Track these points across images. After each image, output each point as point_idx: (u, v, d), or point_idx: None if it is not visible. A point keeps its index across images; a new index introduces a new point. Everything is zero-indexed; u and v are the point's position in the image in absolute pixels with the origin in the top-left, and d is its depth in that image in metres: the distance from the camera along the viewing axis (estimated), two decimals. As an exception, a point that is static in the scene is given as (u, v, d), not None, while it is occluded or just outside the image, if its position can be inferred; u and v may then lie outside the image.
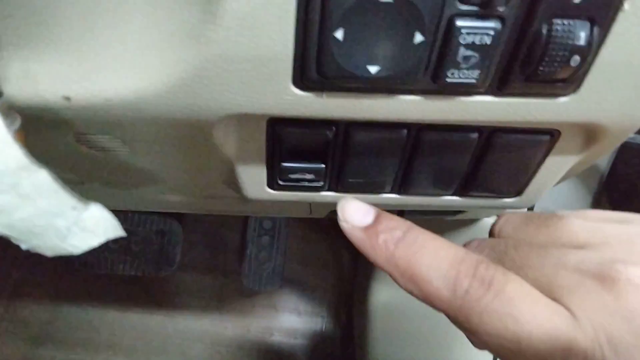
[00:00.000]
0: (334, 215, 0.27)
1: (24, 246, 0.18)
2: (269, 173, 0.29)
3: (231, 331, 0.99)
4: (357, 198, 0.30)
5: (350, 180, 0.29)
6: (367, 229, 0.22)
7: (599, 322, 0.19)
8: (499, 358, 0.21)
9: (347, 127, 0.25)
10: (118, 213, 0.72)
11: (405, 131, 0.26)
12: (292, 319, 1.00)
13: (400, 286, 0.22)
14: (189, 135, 0.24)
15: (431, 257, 0.21)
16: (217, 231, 1.04)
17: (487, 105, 0.23)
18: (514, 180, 0.29)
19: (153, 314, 0.99)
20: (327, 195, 0.30)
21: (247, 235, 0.97)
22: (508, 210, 0.36)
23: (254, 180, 0.29)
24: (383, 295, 0.80)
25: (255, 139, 0.26)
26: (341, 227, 0.23)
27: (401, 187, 0.30)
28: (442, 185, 0.29)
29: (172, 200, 0.41)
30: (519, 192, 0.30)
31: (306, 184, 0.29)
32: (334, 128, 0.25)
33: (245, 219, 1.00)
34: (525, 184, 0.30)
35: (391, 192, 0.30)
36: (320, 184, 0.29)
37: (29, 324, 0.97)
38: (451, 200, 0.31)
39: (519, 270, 0.21)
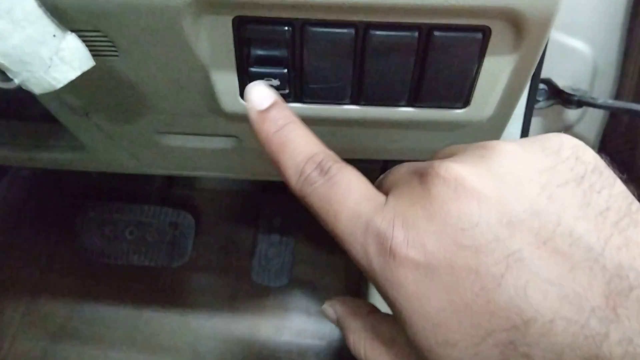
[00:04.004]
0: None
1: (17, 80, 0.22)
2: (240, 81, 0.33)
3: (242, 330, 1.01)
4: (320, 110, 0.34)
5: (311, 86, 0.32)
6: (260, 112, 0.26)
7: (401, 208, 0.20)
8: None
9: (302, 27, 0.29)
10: (134, 205, 0.77)
11: (353, 30, 0.29)
12: (301, 319, 1.02)
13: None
14: (163, 32, 0.29)
15: (294, 149, 0.24)
16: (230, 234, 1.08)
17: None
18: (457, 84, 0.32)
19: (166, 312, 1.02)
20: (294, 106, 0.34)
21: (257, 233, 1.00)
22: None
23: (227, 89, 0.33)
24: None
25: (223, 41, 0.30)
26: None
27: (359, 95, 0.33)
28: (394, 90, 0.33)
29: (170, 144, 0.45)
30: (466, 102, 0.34)
31: (273, 92, 0.33)
32: (290, 28, 0.29)
33: (257, 218, 1.04)
34: (470, 90, 0.33)
35: (350, 102, 0.34)
36: (286, 91, 0.33)
37: (48, 320, 1.01)
38: (405, 112, 0.34)
39: (387, 181, 0.25)
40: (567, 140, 0.20)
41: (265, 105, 0.26)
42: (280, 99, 0.27)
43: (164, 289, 1.03)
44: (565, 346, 0.17)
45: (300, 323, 1.01)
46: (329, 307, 0.28)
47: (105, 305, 1.02)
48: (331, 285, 1.04)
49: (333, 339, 1.00)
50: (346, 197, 0.22)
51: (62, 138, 0.52)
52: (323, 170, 0.23)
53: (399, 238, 0.20)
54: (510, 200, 0.18)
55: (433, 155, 0.26)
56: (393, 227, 0.20)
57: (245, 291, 1.03)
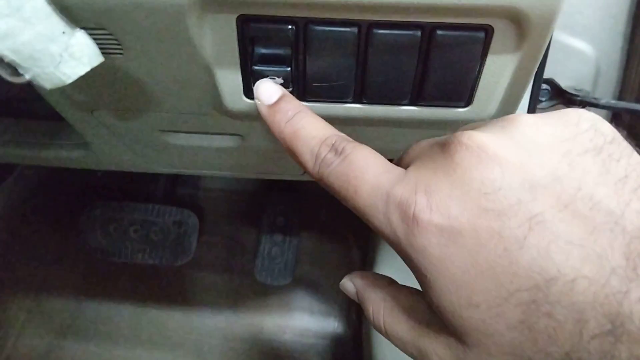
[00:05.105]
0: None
1: (27, 76, 0.23)
2: (244, 79, 0.33)
3: (245, 328, 1.01)
4: (323, 109, 0.35)
5: (314, 84, 0.33)
6: (269, 106, 0.27)
7: (422, 176, 0.21)
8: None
9: (305, 25, 0.30)
10: (139, 204, 0.78)
11: (356, 29, 0.30)
12: (304, 318, 1.02)
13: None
14: (168, 30, 0.29)
15: (307, 135, 0.25)
16: (234, 233, 1.08)
17: None
18: (460, 83, 0.32)
19: (171, 310, 1.02)
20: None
21: (261, 232, 1.01)
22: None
23: (231, 87, 0.33)
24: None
25: (227, 39, 0.31)
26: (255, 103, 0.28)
27: (361, 93, 0.33)
28: (397, 89, 0.33)
29: (174, 142, 0.45)
30: (468, 101, 0.34)
31: (277, 90, 0.33)
32: (293, 27, 0.30)
33: (260, 218, 1.04)
34: (472, 89, 0.33)
35: (353, 101, 0.34)
36: (289, 89, 0.33)
37: (53, 318, 1.02)
38: (408, 110, 0.35)
39: (407, 156, 0.25)
40: (585, 114, 0.21)
41: (273, 99, 0.27)
42: (287, 92, 0.28)
43: (167, 288, 1.03)
44: (586, 304, 0.17)
45: (302, 322, 1.02)
46: (348, 281, 0.28)
47: (110, 303, 1.03)
48: (334, 284, 1.04)
49: (335, 338, 1.00)
50: (364, 172, 0.23)
51: (68, 136, 0.52)
52: (338, 151, 0.24)
53: (422, 204, 0.20)
54: (532, 166, 0.19)
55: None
56: (415, 194, 0.20)
57: (249, 290, 1.04)
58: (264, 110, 0.27)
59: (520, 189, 0.19)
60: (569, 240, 0.18)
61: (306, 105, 0.34)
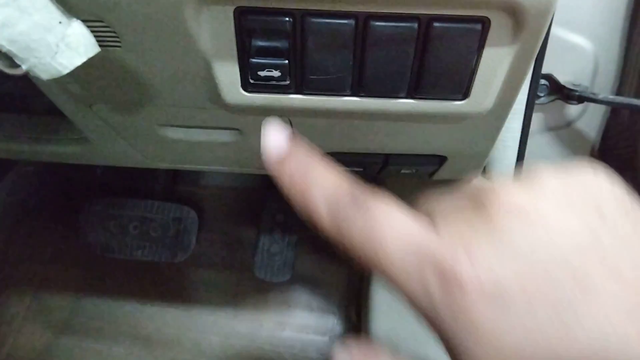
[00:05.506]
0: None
1: (24, 66, 0.23)
2: (241, 72, 0.33)
3: (244, 325, 1.01)
4: (320, 102, 0.35)
5: (311, 77, 0.33)
6: (278, 161, 0.24)
7: (459, 232, 0.19)
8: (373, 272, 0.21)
9: (302, 17, 0.30)
10: (138, 201, 0.78)
11: (353, 21, 0.30)
12: (304, 314, 1.02)
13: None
14: (166, 23, 0.29)
15: (322, 188, 0.22)
16: (233, 230, 1.08)
17: None
18: (457, 75, 0.32)
19: (170, 307, 1.02)
20: (295, 98, 0.34)
21: (260, 229, 1.01)
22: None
23: (229, 80, 0.33)
24: (385, 294, 0.82)
25: (225, 32, 0.31)
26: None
27: (359, 86, 0.33)
28: (394, 82, 0.33)
29: (172, 137, 0.46)
30: (466, 94, 0.34)
31: (274, 82, 0.33)
32: (290, 19, 0.30)
33: (259, 214, 1.04)
34: (469, 82, 0.33)
35: (351, 94, 0.34)
36: (287, 82, 0.33)
37: (52, 314, 1.02)
38: (405, 103, 0.35)
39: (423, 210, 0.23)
40: (601, 173, 0.20)
41: (282, 152, 0.24)
42: (297, 140, 0.24)
43: (167, 284, 1.04)
44: None
45: (302, 318, 1.02)
46: (344, 354, 0.23)
47: (109, 299, 1.03)
48: (333, 280, 1.04)
49: (335, 334, 1.00)
50: (391, 227, 0.20)
51: (67, 131, 0.52)
52: (358, 204, 0.21)
53: (465, 266, 0.18)
54: (575, 229, 0.18)
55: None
56: (456, 254, 0.18)
57: (248, 287, 1.04)
58: (272, 165, 0.24)
59: (567, 251, 0.18)
60: (622, 308, 0.17)
61: (304, 98, 0.35)
